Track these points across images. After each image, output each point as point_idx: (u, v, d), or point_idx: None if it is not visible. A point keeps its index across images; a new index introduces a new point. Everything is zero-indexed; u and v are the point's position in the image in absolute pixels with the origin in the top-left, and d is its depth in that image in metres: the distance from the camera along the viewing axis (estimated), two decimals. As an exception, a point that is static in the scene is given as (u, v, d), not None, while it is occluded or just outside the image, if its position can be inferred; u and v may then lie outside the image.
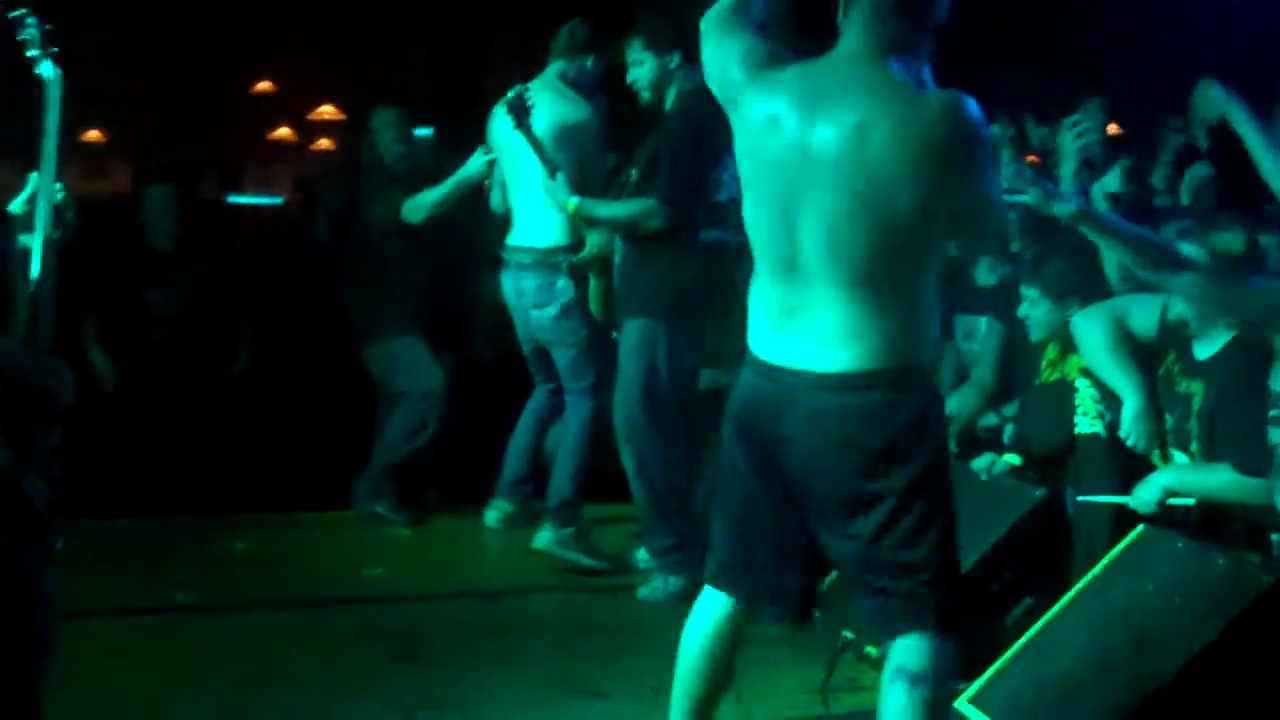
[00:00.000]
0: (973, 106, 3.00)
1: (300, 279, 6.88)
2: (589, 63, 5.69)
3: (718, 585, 3.38)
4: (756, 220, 3.17)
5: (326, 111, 13.22)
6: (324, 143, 14.06)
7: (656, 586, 5.20)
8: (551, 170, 5.28)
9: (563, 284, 5.55)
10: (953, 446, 5.04)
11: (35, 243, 2.81)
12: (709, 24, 3.24)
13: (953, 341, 5.50)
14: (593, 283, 5.52)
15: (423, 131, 12.11)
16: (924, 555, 3.08)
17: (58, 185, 2.85)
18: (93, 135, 14.30)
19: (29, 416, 2.61)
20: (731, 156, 4.56)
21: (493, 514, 6.01)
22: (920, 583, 3.08)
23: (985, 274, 5.59)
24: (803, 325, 3.07)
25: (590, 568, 5.47)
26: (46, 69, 2.79)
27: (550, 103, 5.51)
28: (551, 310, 5.59)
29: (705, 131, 4.98)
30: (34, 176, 2.86)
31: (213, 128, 13.13)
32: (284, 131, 13.96)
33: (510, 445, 6.01)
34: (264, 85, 13.06)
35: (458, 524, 6.16)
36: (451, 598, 5.26)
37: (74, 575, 5.16)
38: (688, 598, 4.74)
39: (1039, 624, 4.00)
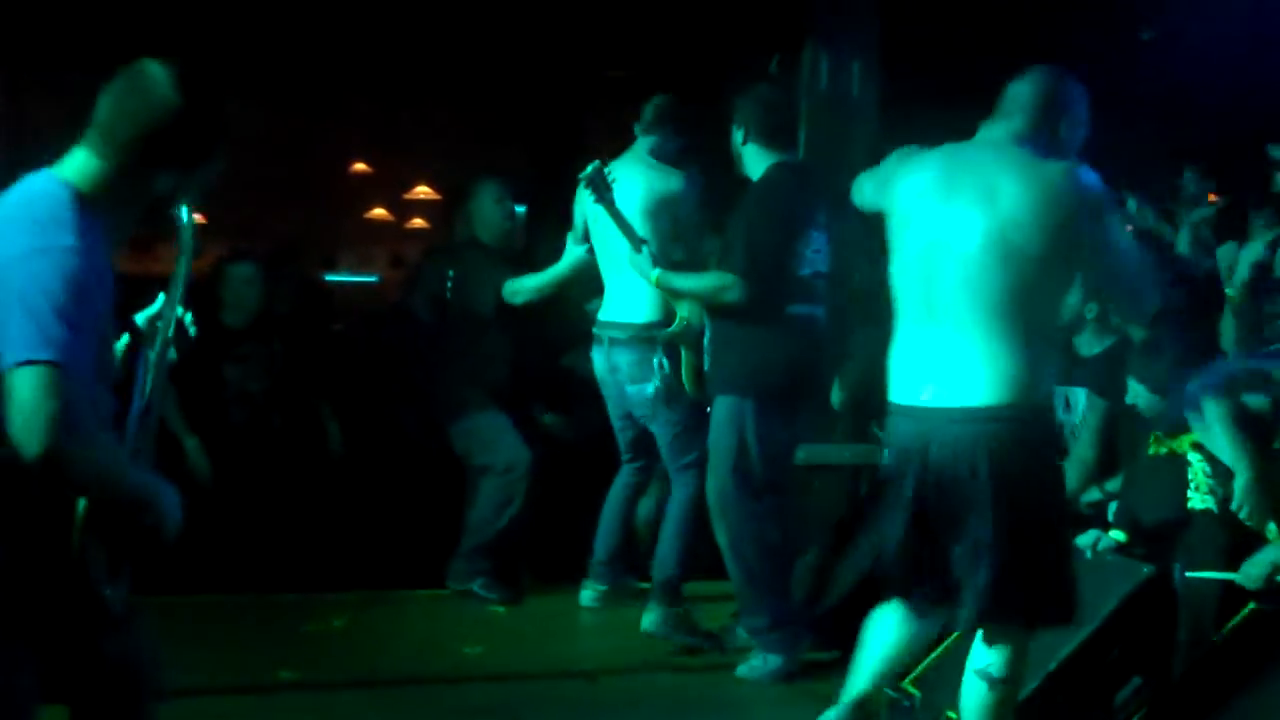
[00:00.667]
0: (1091, 174, 3.60)
1: (398, 356, 6.93)
2: (671, 135, 5.73)
3: (890, 593, 3.93)
4: (902, 277, 3.72)
5: (421, 191, 13.40)
6: (418, 221, 14.23)
7: (755, 665, 5.16)
8: (636, 243, 5.33)
9: (658, 359, 5.55)
10: None
11: (150, 359, 2.85)
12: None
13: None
14: (684, 356, 5.53)
15: (517, 208, 12.30)
16: (1033, 572, 3.62)
17: (182, 309, 2.90)
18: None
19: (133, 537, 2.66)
20: (817, 231, 4.71)
21: (587, 594, 6.01)
22: (1025, 596, 3.63)
23: (1089, 344, 5.52)
24: (939, 367, 3.59)
25: (695, 646, 5.44)
26: (183, 213, 2.86)
27: (641, 175, 5.60)
28: (649, 387, 5.59)
29: (786, 204, 5.09)
30: (161, 295, 2.93)
31: (310, 209, 13.34)
32: (379, 211, 14.15)
33: (600, 525, 6.01)
34: (360, 166, 13.26)
35: (553, 602, 6.16)
36: (550, 677, 5.25)
37: (177, 652, 5.28)
38: (786, 676, 4.81)
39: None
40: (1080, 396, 5.36)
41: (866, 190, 4.04)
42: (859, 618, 5.41)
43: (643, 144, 5.77)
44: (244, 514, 6.26)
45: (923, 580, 3.79)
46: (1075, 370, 5.39)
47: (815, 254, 5.14)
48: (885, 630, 3.99)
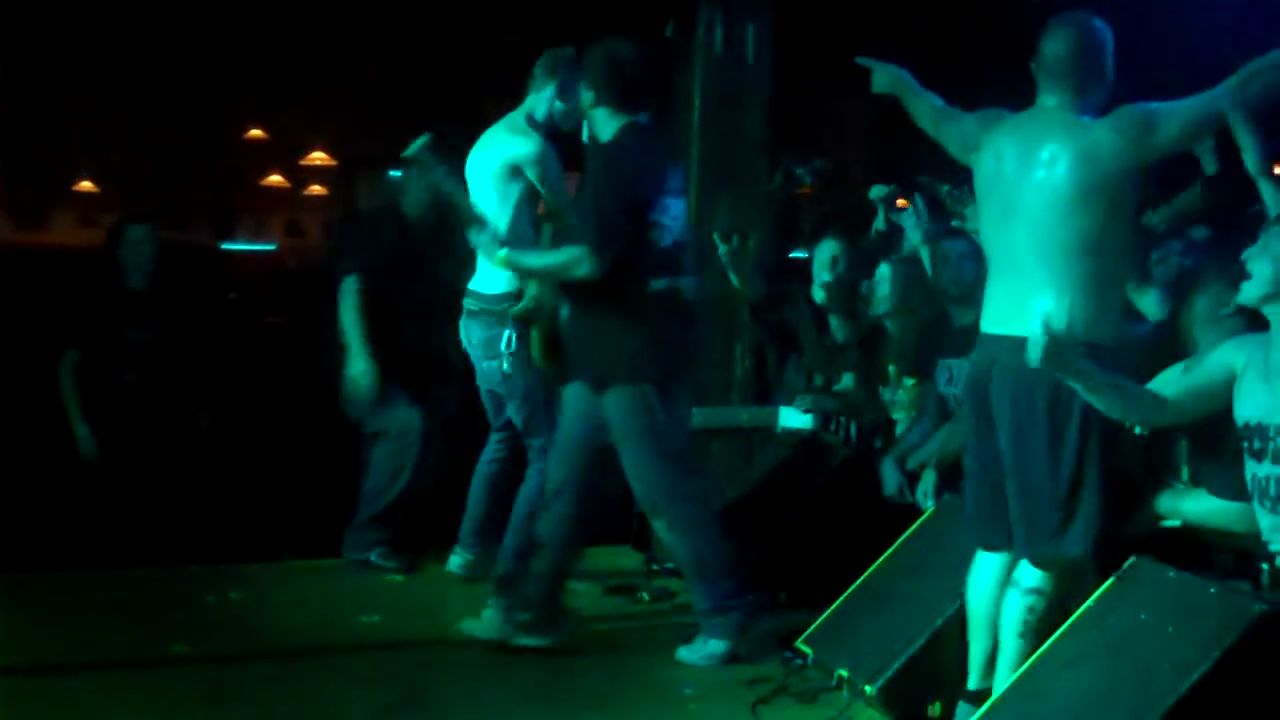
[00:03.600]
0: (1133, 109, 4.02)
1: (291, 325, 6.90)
2: (550, 91, 5.46)
3: (982, 542, 4.26)
4: (986, 230, 4.28)
5: (317, 158, 13.27)
6: (316, 188, 14.10)
7: (697, 647, 5.04)
8: (474, 222, 4.99)
9: (508, 334, 5.37)
10: (934, 480, 5.15)
11: None
12: (933, 121, 4.41)
13: (931, 383, 5.49)
14: (534, 334, 5.26)
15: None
16: (1077, 490, 3.98)
17: None
18: (85, 186, 14.36)
19: None
20: (673, 198, 4.92)
21: (455, 560, 5.98)
22: (1064, 514, 3.99)
23: (966, 315, 5.55)
24: (1014, 303, 4.02)
25: (536, 648, 5.12)
26: None
27: (494, 140, 5.42)
28: (496, 363, 5.43)
29: (635, 169, 4.79)
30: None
31: (205, 176, 13.17)
32: (276, 178, 13.99)
33: (469, 495, 5.95)
34: (255, 132, 13.12)
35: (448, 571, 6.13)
36: (449, 645, 5.25)
37: (69, 626, 5.25)
38: (729, 661, 4.77)
39: (1033, 657, 4.03)
40: (965, 368, 5.40)
41: (954, 144, 4.38)
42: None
43: (523, 106, 5.54)
44: (135, 484, 6.25)
45: (986, 512, 4.22)
46: (954, 342, 5.42)
47: (673, 221, 4.89)
48: (985, 593, 4.24)
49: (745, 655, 4.97)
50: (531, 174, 5.33)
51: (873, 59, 4.57)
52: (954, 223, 5.52)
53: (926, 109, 4.48)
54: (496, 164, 5.35)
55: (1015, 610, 4.10)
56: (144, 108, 12.70)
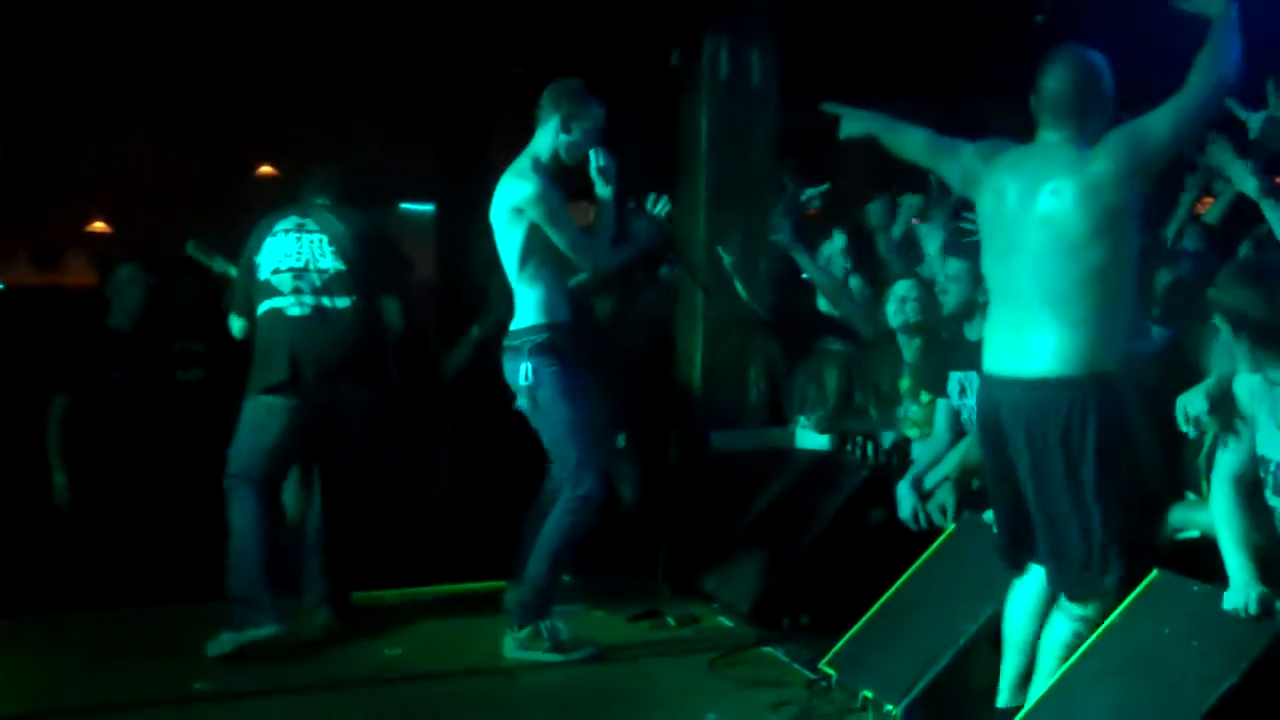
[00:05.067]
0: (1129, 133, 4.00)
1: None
2: (556, 122, 5.33)
3: (1012, 567, 4.28)
4: (987, 266, 4.23)
5: (330, 193, 13.30)
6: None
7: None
8: None
9: (525, 367, 5.31)
10: (953, 497, 5.09)
11: None
12: (928, 154, 4.44)
13: (947, 398, 5.48)
14: None
15: (424, 207, 12.27)
16: (1103, 522, 3.94)
17: None
18: (98, 227, 14.42)
19: None
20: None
21: (510, 596, 5.96)
22: (1093, 547, 3.96)
23: (977, 329, 5.55)
24: (1016, 341, 4.03)
25: (555, 663, 5.29)
26: None
27: (507, 182, 5.38)
28: (521, 396, 5.37)
29: None
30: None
31: (217, 214, 13.23)
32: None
33: (525, 529, 5.95)
34: (266, 169, 13.16)
35: (470, 602, 6.16)
36: (469, 674, 5.25)
37: (89, 667, 5.25)
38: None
39: (1059, 672, 4.02)
40: (977, 380, 5.39)
41: (953, 177, 4.42)
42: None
43: (530, 146, 5.42)
44: (141, 524, 6.29)
45: (1012, 539, 4.24)
46: (966, 356, 5.42)
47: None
48: (1022, 615, 4.26)
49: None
50: (534, 215, 5.30)
51: (840, 105, 4.55)
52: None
53: (918, 142, 4.44)
54: (504, 209, 5.37)
55: (1062, 634, 4.09)
56: (154, 146, 12.76)
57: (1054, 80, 4.08)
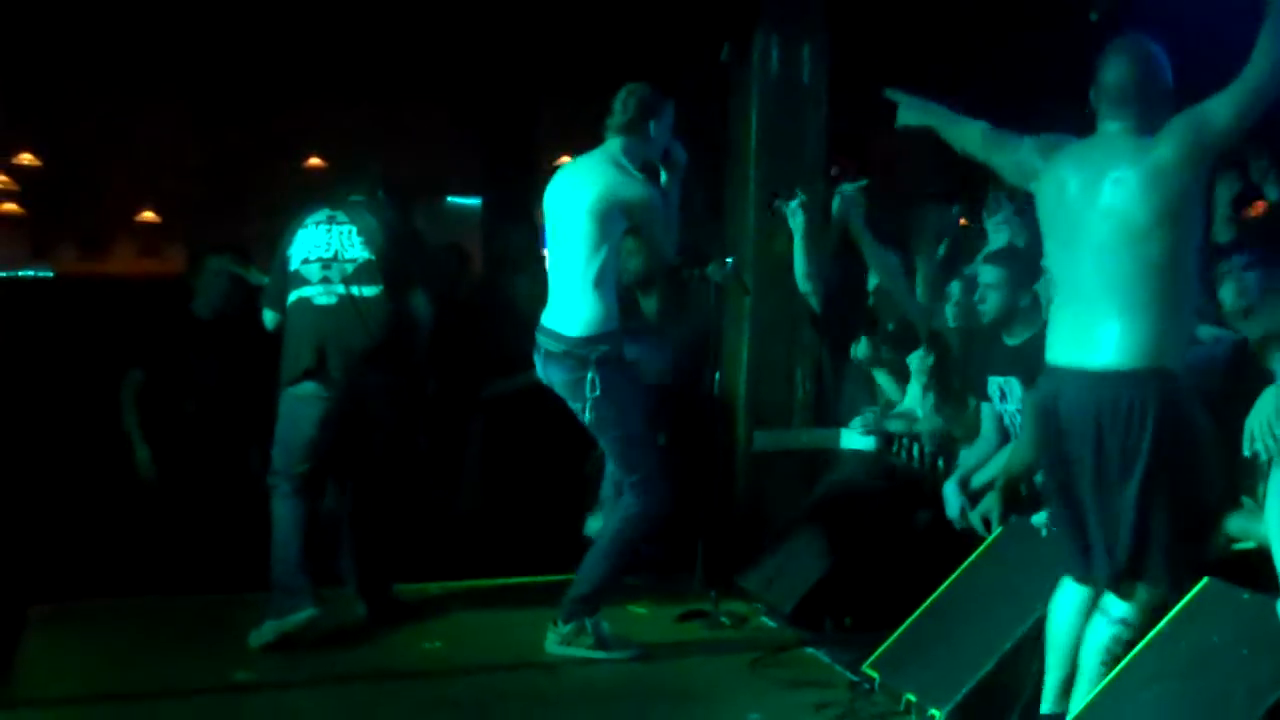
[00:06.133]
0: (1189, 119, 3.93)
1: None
2: (651, 131, 5.33)
3: (1069, 573, 4.20)
4: (1052, 259, 4.25)
5: (377, 185, 13.34)
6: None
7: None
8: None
9: (591, 377, 5.22)
10: (999, 504, 5.04)
11: None
12: (984, 148, 4.36)
13: (990, 402, 5.42)
14: None
15: (472, 201, 12.30)
16: (1153, 522, 3.91)
17: None
18: (147, 216, 14.52)
19: None
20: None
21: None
22: (1140, 544, 3.93)
23: (1016, 333, 5.48)
24: (1080, 333, 4.00)
25: (597, 660, 5.29)
26: None
27: (600, 175, 5.27)
28: (579, 407, 5.28)
29: None
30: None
31: (264, 205, 13.29)
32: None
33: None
34: (314, 161, 13.21)
35: (511, 595, 6.17)
36: (512, 669, 5.25)
37: (131, 656, 5.27)
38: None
39: (1106, 680, 3.97)
40: (1016, 385, 5.35)
41: (1009, 171, 4.37)
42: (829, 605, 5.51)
43: (614, 144, 5.35)
44: (192, 511, 6.31)
45: (1071, 540, 4.17)
46: (1005, 361, 5.36)
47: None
48: (1066, 621, 4.21)
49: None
50: (641, 218, 5.29)
51: (901, 92, 4.52)
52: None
53: (975, 135, 4.40)
54: (600, 206, 5.20)
55: (1101, 638, 4.05)
56: (205, 137, 12.84)
57: (1114, 71, 4.05)
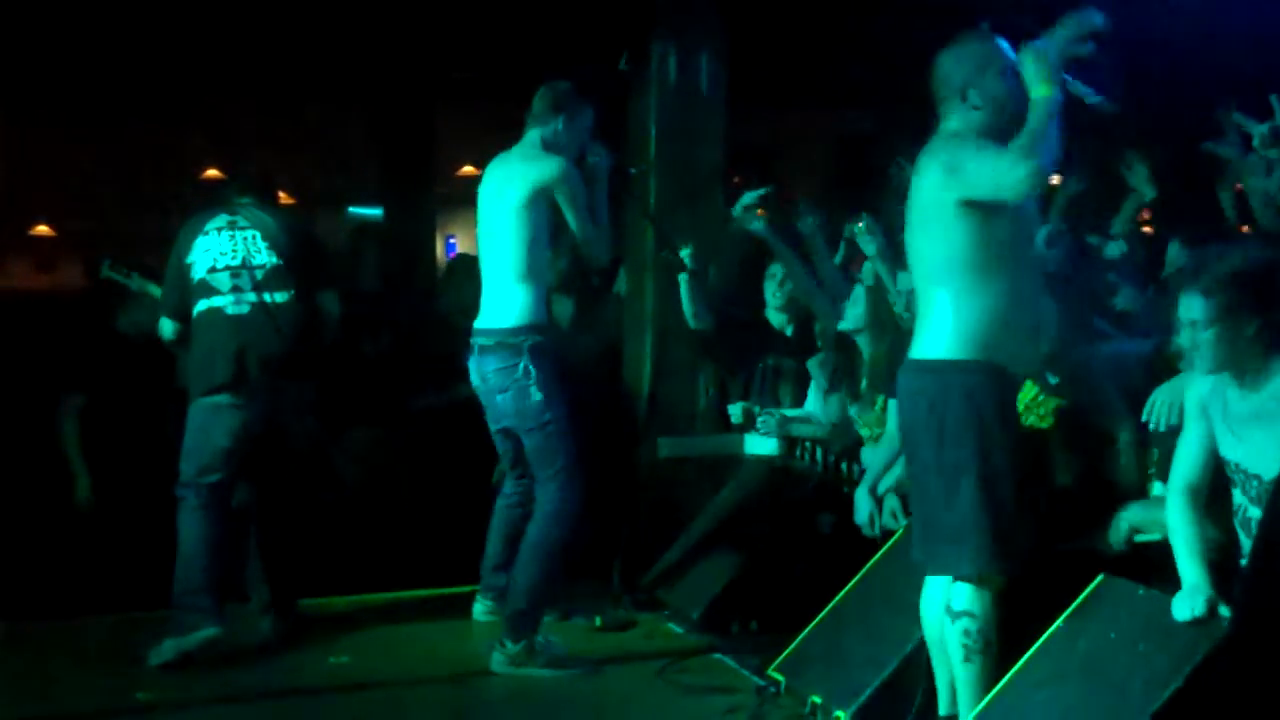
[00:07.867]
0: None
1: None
2: (560, 124, 5.43)
3: (917, 565, 4.24)
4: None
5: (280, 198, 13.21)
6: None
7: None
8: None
9: (524, 365, 5.30)
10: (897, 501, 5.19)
11: None
12: None
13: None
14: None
15: (372, 211, 12.22)
16: (973, 513, 3.94)
17: None
18: (41, 230, 14.26)
19: None
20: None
21: (479, 608, 5.87)
22: (965, 536, 3.97)
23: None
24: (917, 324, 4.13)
25: (553, 679, 5.21)
26: None
27: (517, 167, 5.39)
28: (509, 394, 5.34)
29: None
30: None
31: (162, 217, 13.12)
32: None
33: (488, 541, 5.83)
34: (213, 172, 13.07)
35: (418, 608, 6.13)
36: (418, 683, 5.21)
37: (30, 677, 5.17)
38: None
39: (1005, 679, 4.01)
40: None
41: None
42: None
43: (531, 135, 5.48)
44: (93, 532, 6.24)
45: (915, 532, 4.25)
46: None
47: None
48: (930, 612, 4.25)
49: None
50: (560, 194, 5.32)
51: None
52: None
53: None
54: (520, 192, 5.30)
55: (952, 635, 4.07)
56: (99, 150, 12.65)
57: (940, 67, 4.13)
